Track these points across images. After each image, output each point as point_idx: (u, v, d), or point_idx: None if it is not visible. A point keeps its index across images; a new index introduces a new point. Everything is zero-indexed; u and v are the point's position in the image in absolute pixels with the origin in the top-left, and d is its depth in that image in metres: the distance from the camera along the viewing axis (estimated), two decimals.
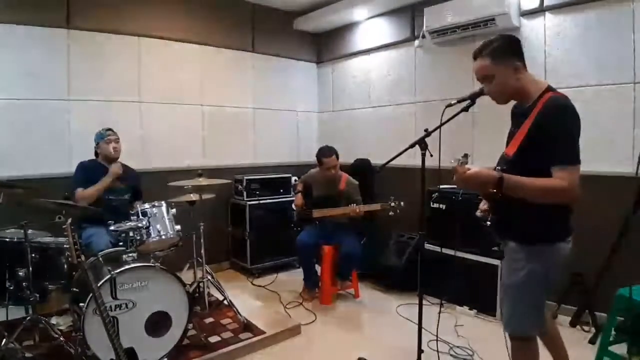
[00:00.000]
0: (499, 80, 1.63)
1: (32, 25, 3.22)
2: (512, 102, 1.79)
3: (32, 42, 3.24)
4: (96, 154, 3.13)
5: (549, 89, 1.59)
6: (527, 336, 1.68)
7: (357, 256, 3.43)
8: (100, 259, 2.33)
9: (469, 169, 1.51)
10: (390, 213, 3.18)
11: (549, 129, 1.48)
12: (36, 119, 3.28)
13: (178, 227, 2.83)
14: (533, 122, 1.53)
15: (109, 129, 3.10)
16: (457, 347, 2.64)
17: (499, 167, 1.64)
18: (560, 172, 1.46)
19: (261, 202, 4.16)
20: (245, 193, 4.11)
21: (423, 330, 2.22)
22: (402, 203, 3.17)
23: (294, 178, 4.45)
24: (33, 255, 2.33)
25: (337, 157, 3.50)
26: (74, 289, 2.32)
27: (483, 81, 1.68)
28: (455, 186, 3.41)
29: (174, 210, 2.83)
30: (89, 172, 3.01)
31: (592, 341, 2.62)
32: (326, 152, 3.48)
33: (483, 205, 1.88)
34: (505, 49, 1.61)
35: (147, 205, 2.73)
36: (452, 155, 3.77)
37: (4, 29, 3.12)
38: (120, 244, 2.63)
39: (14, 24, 3.15)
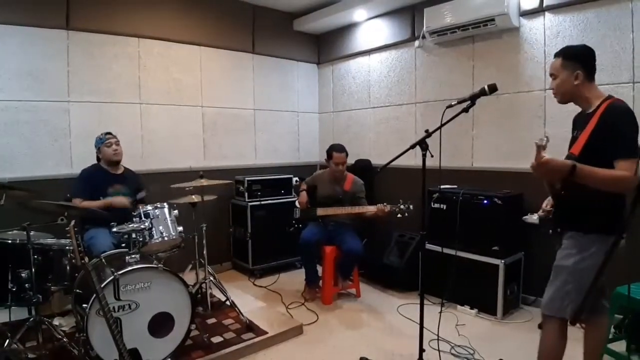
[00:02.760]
0: (559, 81, 1.83)
1: (31, 27, 3.23)
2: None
3: (32, 44, 3.24)
4: (98, 158, 3.15)
5: (610, 96, 1.77)
6: (562, 318, 1.77)
7: (359, 254, 3.43)
8: (103, 260, 2.34)
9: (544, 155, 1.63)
10: (399, 215, 3.19)
11: (612, 127, 1.66)
12: (36, 121, 3.29)
13: (180, 228, 2.85)
14: (597, 123, 1.70)
15: (108, 133, 3.11)
16: (458, 346, 2.65)
17: None
18: (624, 163, 1.62)
19: (262, 202, 4.16)
20: (246, 194, 4.12)
21: (424, 329, 2.24)
22: (411, 206, 3.17)
23: (295, 179, 4.46)
24: (35, 256, 2.33)
25: (347, 156, 3.55)
26: (77, 290, 2.34)
27: (551, 77, 1.88)
28: (452, 188, 3.46)
29: (176, 212, 2.85)
30: (91, 180, 3.02)
31: None
32: (338, 148, 3.55)
33: (546, 205, 1.98)
34: (575, 56, 1.81)
35: (149, 207, 2.75)
36: (453, 155, 3.78)
37: (3, 30, 3.13)
38: (123, 245, 2.65)
39: (13, 25, 3.16)
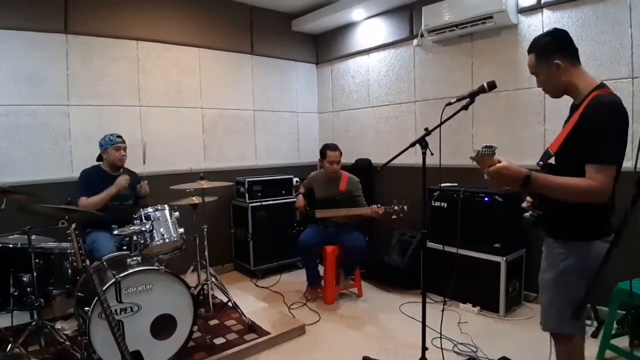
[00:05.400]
0: (542, 78, 1.67)
1: (30, 31, 3.23)
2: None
3: (31, 48, 3.25)
4: (99, 158, 3.14)
5: (600, 86, 1.56)
6: (568, 334, 1.63)
7: (362, 250, 3.42)
8: (105, 263, 2.35)
9: (498, 161, 1.49)
10: (394, 217, 3.18)
11: (588, 126, 1.48)
12: (36, 125, 3.29)
13: (181, 230, 2.85)
14: (577, 121, 1.52)
15: (119, 136, 3.10)
16: (461, 343, 2.65)
17: (542, 162, 1.64)
18: (590, 170, 1.45)
19: (263, 203, 4.16)
20: (247, 195, 4.12)
21: (427, 327, 2.24)
22: (405, 207, 3.17)
23: (295, 179, 4.46)
24: (37, 260, 2.34)
25: (341, 155, 3.55)
26: (79, 293, 2.34)
27: (534, 75, 1.71)
28: (454, 184, 3.46)
29: (177, 214, 2.85)
30: (93, 180, 3.02)
31: (594, 335, 2.64)
32: (332, 146, 3.56)
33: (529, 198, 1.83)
34: (548, 46, 1.62)
35: (150, 209, 2.74)
36: (453, 153, 3.75)
37: (2, 35, 3.13)
38: (124, 248, 2.65)
39: (11, 30, 3.16)
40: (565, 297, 1.59)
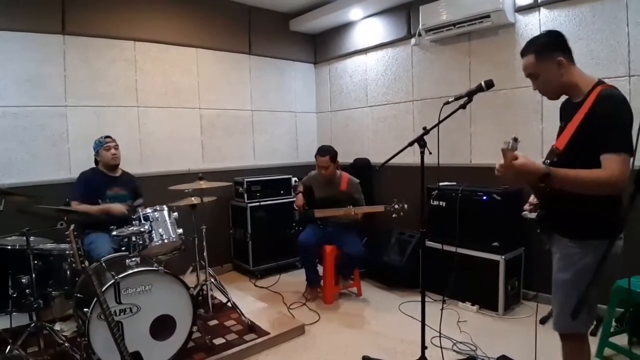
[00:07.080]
0: (543, 78, 1.64)
1: (27, 32, 3.23)
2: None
3: (28, 49, 3.24)
4: (96, 162, 3.16)
5: (600, 82, 1.58)
6: (578, 334, 1.63)
7: (360, 256, 3.45)
8: (103, 264, 2.35)
9: (517, 157, 1.47)
10: (394, 215, 3.19)
11: (600, 119, 1.48)
12: (34, 126, 3.29)
13: (180, 230, 2.85)
14: (585, 115, 1.52)
15: (108, 136, 3.12)
16: (460, 342, 2.66)
17: (548, 161, 1.62)
18: (608, 160, 1.44)
19: (262, 203, 4.16)
20: (245, 195, 4.12)
21: (426, 326, 2.25)
22: (405, 206, 3.17)
23: (293, 179, 4.46)
24: (35, 262, 2.33)
25: (333, 159, 3.50)
26: (78, 295, 2.34)
27: (530, 78, 1.69)
28: (449, 184, 3.46)
29: (175, 214, 2.85)
30: (90, 183, 3.03)
31: (593, 333, 2.64)
32: (321, 151, 3.52)
33: (532, 199, 1.83)
34: (548, 45, 1.62)
35: (148, 210, 2.74)
36: (451, 152, 3.76)
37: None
38: (123, 248, 2.65)
39: (9, 31, 3.16)
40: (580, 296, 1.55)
